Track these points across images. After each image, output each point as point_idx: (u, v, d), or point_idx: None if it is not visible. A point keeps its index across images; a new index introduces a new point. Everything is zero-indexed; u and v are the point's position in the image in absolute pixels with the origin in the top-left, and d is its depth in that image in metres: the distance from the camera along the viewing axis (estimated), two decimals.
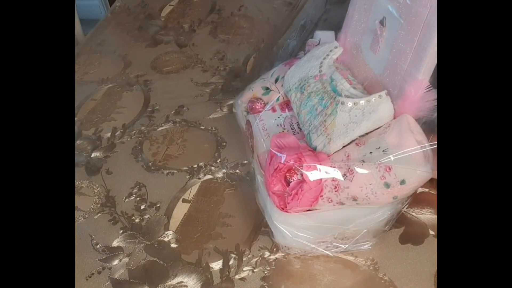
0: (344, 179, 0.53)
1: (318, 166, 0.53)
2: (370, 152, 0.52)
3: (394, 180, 0.51)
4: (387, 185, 0.51)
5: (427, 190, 0.72)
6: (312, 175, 0.53)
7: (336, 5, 0.80)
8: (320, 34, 0.69)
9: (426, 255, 0.64)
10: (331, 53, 0.63)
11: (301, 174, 0.54)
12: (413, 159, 0.50)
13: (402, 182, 0.51)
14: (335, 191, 0.54)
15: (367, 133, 0.55)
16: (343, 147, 0.55)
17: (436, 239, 0.66)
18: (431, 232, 0.67)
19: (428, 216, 0.70)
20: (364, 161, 0.52)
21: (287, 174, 0.55)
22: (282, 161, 0.55)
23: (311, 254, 0.64)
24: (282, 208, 0.56)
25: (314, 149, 0.57)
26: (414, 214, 0.70)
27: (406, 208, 0.70)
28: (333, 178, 0.53)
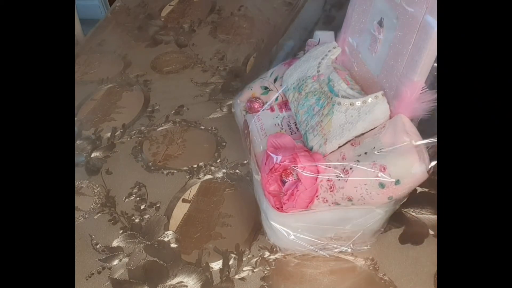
0: (339, 179, 0.53)
1: (313, 166, 0.54)
2: (365, 153, 0.52)
3: (389, 180, 0.51)
4: (382, 185, 0.51)
5: (427, 190, 0.72)
6: (307, 176, 0.53)
7: (335, 6, 0.80)
8: (319, 34, 0.69)
9: (426, 255, 0.64)
10: (329, 53, 0.63)
11: (297, 175, 0.54)
12: (408, 159, 0.50)
13: (397, 182, 0.51)
14: (330, 192, 0.54)
15: (362, 134, 0.55)
16: (339, 147, 0.55)
17: (436, 239, 0.66)
18: (431, 232, 0.67)
19: (428, 216, 0.70)
20: (359, 162, 0.52)
21: (283, 174, 0.55)
22: (277, 162, 0.55)
23: (308, 254, 0.64)
24: (278, 208, 0.56)
25: (310, 149, 0.57)
26: (414, 214, 0.70)
27: (406, 208, 0.70)
28: (328, 178, 0.53)
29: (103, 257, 0.67)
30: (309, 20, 0.82)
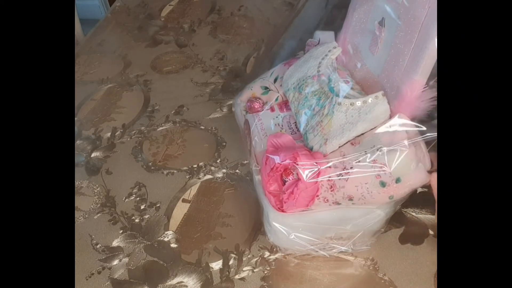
0: (340, 178, 0.53)
1: (314, 165, 0.54)
2: (365, 151, 0.52)
3: (390, 178, 0.51)
4: (382, 184, 0.51)
5: (427, 190, 0.72)
6: (308, 174, 0.53)
7: (336, 6, 0.80)
8: (320, 34, 0.69)
9: (426, 255, 0.64)
10: (329, 53, 0.63)
11: (297, 174, 0.54)
12: (407, 156, 0.50)
13: (398, 180, 0.51)
14: (331, 191, 0.54)
15: (363, 133, 0.55)
16: (339, 147, 0.55)
17: (436, 239, 0.66)
18: (431, 232, 0.67)
19: (428, 216, 0.70)
20: (359, 161, 0.52)
21: (283, 173, 0.55)
22: (278, 161, 0.55)
23: (308, 254, 0.64)
24: (278, 208, 0.56)
25: (310, 149, 0.57)
26: (414, 214, 0.70)
27: (406, 208, 0.70)
28: (329, 177, 0.54)
29: (103, 257, 0.67)
30: (309, 20, 0.82)
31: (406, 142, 0.50)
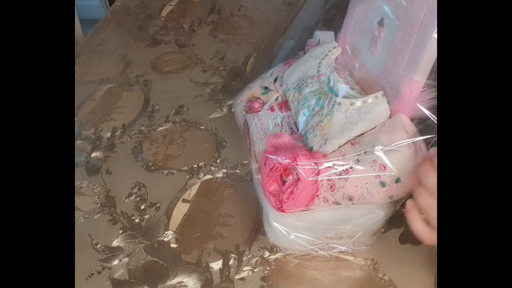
0: (340, 178, 0.53)
1: (313, 165, 0.54)
2: (365, 152, 0.52)
3: (389, 178, 0.51)
4: (382, 184, 0.51)
5: None
6: (307, 174, 0.53)
7: (336, 5, 0.80)
8: (319, 34, 0.69)
9: (426, 255, 0.64)
10: (329, 53, 0.63)
11: (297, 174, 0.54)
12: (406, 157, 0.50)
13: (397, 180, 0.51)
14: (331, 191, 0.54)
15: (362, 133, 0.55)
16: (339, 147, 0.55)
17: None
18: None
19: None
20: (359, 161, 0.52)
21: (283, 173, 0.55)
22: (278, 161, 0.55)
23: (308, 254, 0.64)
24: (278, 208, 0.56)
25: (310, 149, 0.57)
26: None
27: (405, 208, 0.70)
28: (329, 177, 0.54)
29: (103, 257, 0.67)
30: (309, 20, 0.82)
31: (406, 142, 0.50)
